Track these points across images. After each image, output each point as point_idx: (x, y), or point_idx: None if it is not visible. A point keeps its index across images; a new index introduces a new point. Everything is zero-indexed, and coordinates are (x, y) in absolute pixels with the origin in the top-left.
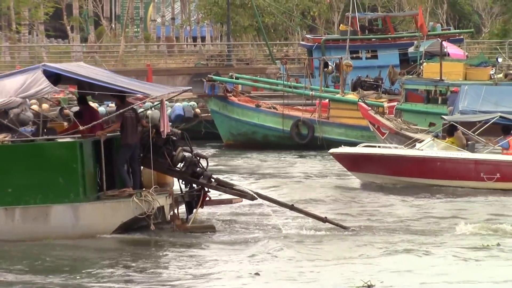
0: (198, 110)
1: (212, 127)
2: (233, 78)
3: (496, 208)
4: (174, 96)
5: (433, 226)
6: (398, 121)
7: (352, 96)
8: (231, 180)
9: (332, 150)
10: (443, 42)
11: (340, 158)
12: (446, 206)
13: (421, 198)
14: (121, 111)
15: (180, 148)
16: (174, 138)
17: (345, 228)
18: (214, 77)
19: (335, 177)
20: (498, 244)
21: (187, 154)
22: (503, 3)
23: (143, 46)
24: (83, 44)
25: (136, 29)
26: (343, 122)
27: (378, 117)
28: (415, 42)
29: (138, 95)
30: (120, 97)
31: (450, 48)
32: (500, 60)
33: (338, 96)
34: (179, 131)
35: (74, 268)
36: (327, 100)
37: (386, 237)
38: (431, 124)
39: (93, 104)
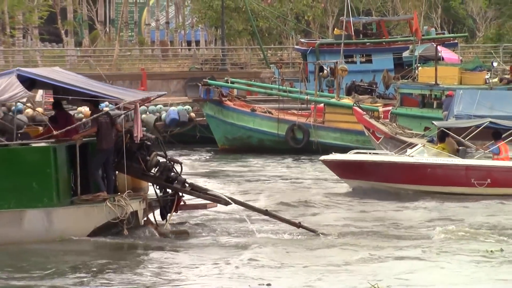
0: (193, 114)
1: (207, 131)
2: (228, 83)
3: (489, 213)
4: (148, 101)
5: (431, 231)
6: (393, 125)
7: (347, 101)
8: (224, 184)
9: (323, 157)
10: (438, 47)
11: (331, 165)
12: (440, 211)
13: (413, 203)
14: (95, 115)
15: (154, 153)
16: (149, 143)
17: (318, 233)
18: (209, 81)
19: (327, 182)
20: (502, 250)
21: (161, 159)
22: (497, 8)
23: (138, 50)
24: (78, 48)
25: (130, 33)
26: (338, 127)
27: (373, 121)
28: (410, 46)
29: (115, 100)
30: (94, 102)
31: (444, 52)
32: (495, 64)
33: (333, 100)
34: (153, 136)
35: (51, 272)
36: (322, 104)
37: (386, 242)
38: (426, 129)
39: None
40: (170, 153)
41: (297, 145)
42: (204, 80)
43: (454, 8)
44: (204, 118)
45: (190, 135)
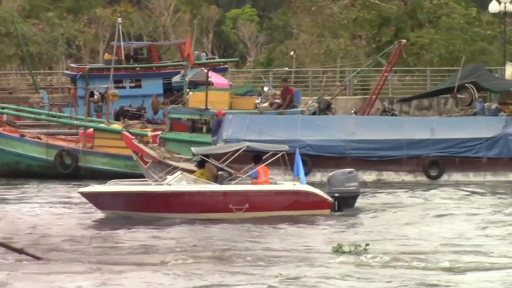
0: None
1: None
2: None
3: (248, 238)
4: None
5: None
6: (161, 150)
7: (117, 126)
8: None
9: (81, 190)
10: (208, 72)
11: (89, 197)
12: (196, 237)
13: (167, 230)
14: None
15: None
16: None
17: (39, 258)
18: None
19: (87, 208)
20: (280, 274)
21: None
22: (268, 32)
23: None
24: None
25: None
26: (107, 152)
27: (141, 146)
28: (182, 71)
29: None
30: None
31: (214, 77)
32: (266, 89)
33: (102, 125)
34: None
35: None
36: (91, 129)
37: (122, 267)
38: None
39: None
40: None
41: (65, 170)
42: None
43: (226, 33)
44: None
45: None
